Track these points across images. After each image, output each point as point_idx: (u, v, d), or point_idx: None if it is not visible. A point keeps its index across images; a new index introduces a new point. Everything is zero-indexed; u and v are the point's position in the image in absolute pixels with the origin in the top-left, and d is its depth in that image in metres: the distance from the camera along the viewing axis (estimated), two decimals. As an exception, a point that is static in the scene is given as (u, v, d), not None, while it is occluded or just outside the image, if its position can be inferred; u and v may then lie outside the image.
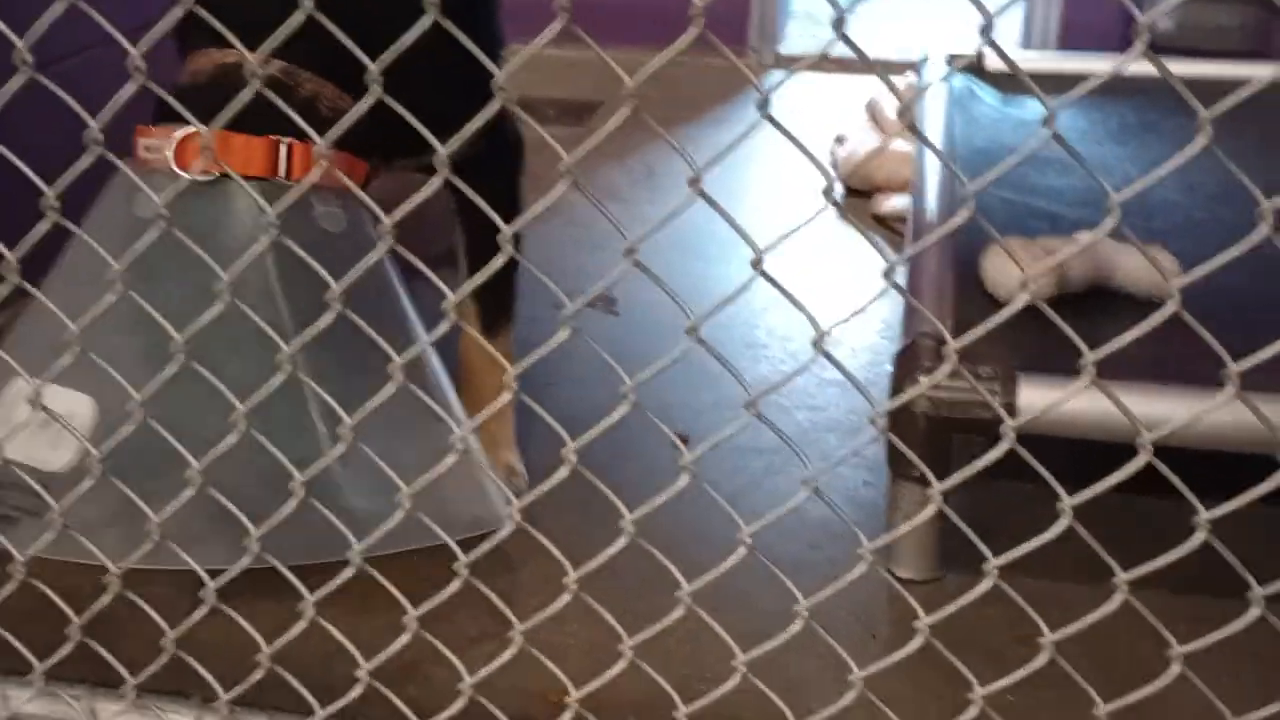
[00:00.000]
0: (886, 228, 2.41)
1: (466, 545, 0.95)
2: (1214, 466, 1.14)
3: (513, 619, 0.94)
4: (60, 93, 0.90)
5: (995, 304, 1.59)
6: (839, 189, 2.52)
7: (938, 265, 1.64)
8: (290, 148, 1.31)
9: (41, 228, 0.91)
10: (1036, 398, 1.33)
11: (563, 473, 0.87)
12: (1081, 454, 1.25)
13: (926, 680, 1.26)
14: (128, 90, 0.85)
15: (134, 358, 1.13)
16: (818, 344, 0.82)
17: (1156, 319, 0.74)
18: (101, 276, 0.93)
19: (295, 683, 1.02)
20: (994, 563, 0.84)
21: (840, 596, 0.89)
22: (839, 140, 2.66)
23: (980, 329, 0.79)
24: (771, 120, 0.77)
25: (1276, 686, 1.23)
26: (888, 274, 0.80)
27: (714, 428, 1.71)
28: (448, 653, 0.99)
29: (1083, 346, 0.78)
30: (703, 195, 0.79)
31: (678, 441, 0.88)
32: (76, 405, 1.21)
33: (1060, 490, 0.81)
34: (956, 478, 0.85)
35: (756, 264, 0.80)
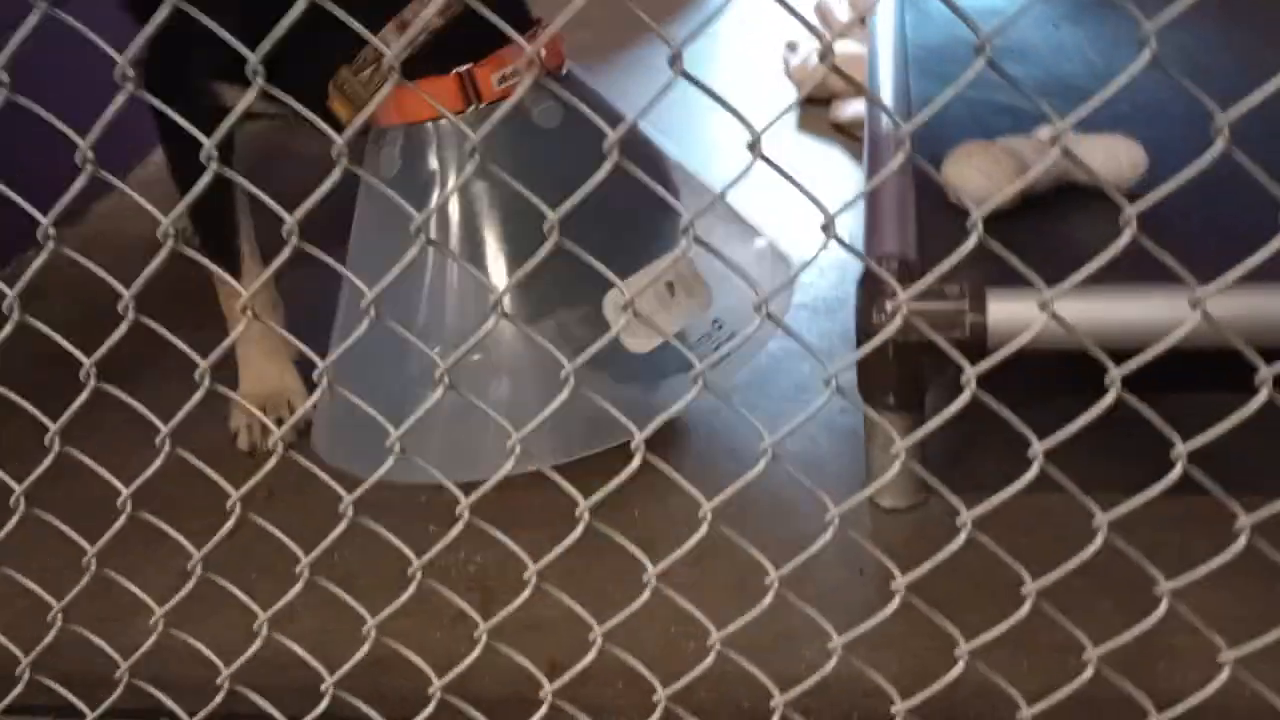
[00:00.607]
0: (847, 135, 2.34)
1: (435, 527, 0.91)
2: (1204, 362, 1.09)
3: (478, 619, 0.91)
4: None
5: (961, 214, 1.53)
6: (792, 109, 2.45)
7: (898, 177, 1.58)
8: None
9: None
10: (1008, 314, 1.29)
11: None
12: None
13: (917, 620, 1.22)
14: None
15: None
16: (760, 308, 0.77)
17: (1114, 249, 0.69)
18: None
19: (260, 700, 0.99)
20: (967, 516, 0.80)
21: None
22: (790, 47, 2.58)
23: (941, 266, 0.75)
24: (688, 76, 0.72)
25: (1272, 603, 1.19)
26: (826, 228, 0.76)
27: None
28: (415, 658, 0.95)
29: (1041, 286, 0.74)
30: (624, 166, 0.74)
31: (633, 429, 0.83)
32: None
33: (1031, 436, 0.77)
34: (920, 433, 0.82)
35: (687, 232, 0.75)
